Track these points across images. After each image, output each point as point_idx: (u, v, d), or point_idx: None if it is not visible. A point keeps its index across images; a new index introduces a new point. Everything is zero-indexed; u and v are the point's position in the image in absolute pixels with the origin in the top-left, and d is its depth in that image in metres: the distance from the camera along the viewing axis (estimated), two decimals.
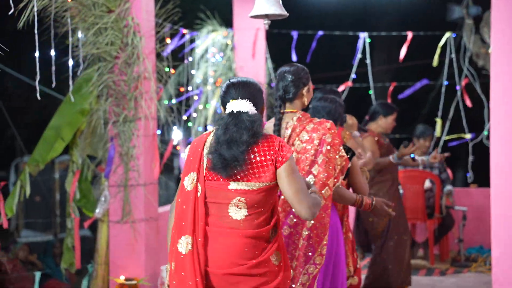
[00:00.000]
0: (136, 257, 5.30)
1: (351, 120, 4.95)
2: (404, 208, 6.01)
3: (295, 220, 3.54)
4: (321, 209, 3.48)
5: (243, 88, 2.94)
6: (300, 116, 3.62)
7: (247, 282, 2.85)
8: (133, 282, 5.17)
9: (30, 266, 7.69)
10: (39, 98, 4.40)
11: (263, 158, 2.85)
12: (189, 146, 3.01)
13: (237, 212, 2.87)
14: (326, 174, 3.49)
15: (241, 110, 2.88)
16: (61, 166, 10.72)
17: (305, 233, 3.52)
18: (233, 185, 2.86)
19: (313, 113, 4.07)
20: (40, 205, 10.87)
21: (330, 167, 3.51)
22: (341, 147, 3.61)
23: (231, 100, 2.92)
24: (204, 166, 2.90)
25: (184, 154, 2.99)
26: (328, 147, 3.51)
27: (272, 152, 2.86)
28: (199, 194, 2.88)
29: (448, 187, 7.38)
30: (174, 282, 2.89)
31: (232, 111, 2.90)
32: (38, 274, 5.29)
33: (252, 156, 2.85)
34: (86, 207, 5.65)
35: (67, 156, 5.58)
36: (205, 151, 2.91)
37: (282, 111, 3.63)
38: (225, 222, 2.87)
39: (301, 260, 3.51)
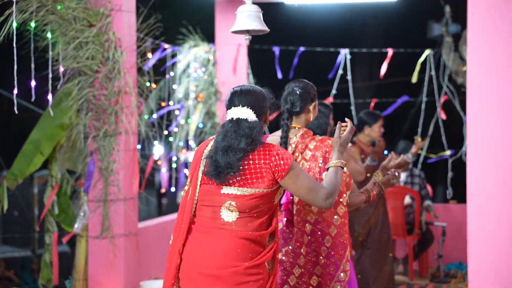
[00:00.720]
0: (115, 273, 5.26)
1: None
2: (388, 222, 6.03)
3: (309, 237, 3.58)
4: (338, 227, 3.55)
5: (245, 96, 3.01)
6: (303, 133, 3.66)
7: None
8: None
9: (6, 282, 7.61)
10: (16, 112, 4.37)
11: (258, 166, 2.91)
12: (198, 147, 3.13)
13: (229, 215, 2.94)
14: (337, 193, 3.54)
15: (240, 117, 2.95)
16: (40, 181, 10.65)
17: (324, 251, 3.56)
18: (225, 190, 2.93)
19: None
20: (18, 220, 10.76)
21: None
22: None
23: (232, 107, 2.99)
24: (200, 170, 3.00)
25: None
26: None
27: (268, 161, 2.92)
28: (189, 197, 3.00)
29: (427, 202, 7.41)
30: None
31: (232, 118, 2.98)
32: None
33: (246, 163, 2.91)
34: (65, 222, 5.60)
35: (47, 170, 5.54)
36: (204, 155, 3.00)
37: (288, 124, 3.67)
38: (218, 224, 2.94)
39: (326, 278, 3.54)
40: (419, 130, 8.04)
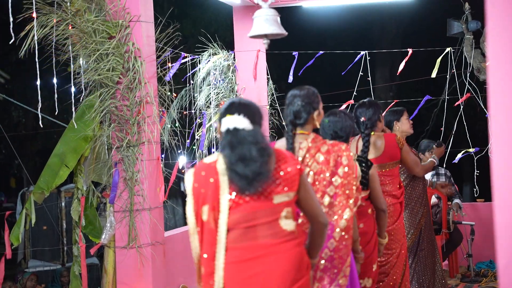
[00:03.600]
0: (143, 282, 5.28)
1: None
2: (431, 222, 6.03)
3: None
4: (344, 230, 3.50)
5: (243, 106, 2.90)
6: (314, 137, 3.61)
7: None
8: None
9: None
10: (41, 126, 4.43)
11: (290, 169, 2.86)
12: (191, 175, 2.89)
13: (289, 223, 2.85)
14: (345, 197, 3.51)
15: (236, 127, 2.82)
16: (68, 194, 10.76)
17: (328, 254, 3.52)
18: (277, 199, 2.82)
19: (322, 129, 4.15)
20: (47, 234, 10.87)
21: (348, 190, 3.52)
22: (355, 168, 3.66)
23: (227, 115, 2.86)
24: (226, 195, 2.80)
25: (188, 183, 2.91)
26: (346, 169, 3.52)
27: (294, 163, 2.89)
28: (220, 227, 2.78)
29: (456, 200, 7.35)
30: None
31: (228, 128, 2.84)
32: None
33: (279, 169, 2.85)
34: (93, 234, 5.65)
35: (73, 184, 5.60)
36: (222, 178, 2.81)
37: (294, 132, 3.62)
38: (281, 236, 2.81)
39: (324, 283, 3.49)
40: (443, 129, 7.97)
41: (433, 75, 7.62)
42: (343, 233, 3.50)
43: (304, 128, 3.60)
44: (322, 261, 3.50)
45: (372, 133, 5.11)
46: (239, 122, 2.83)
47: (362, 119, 5.07)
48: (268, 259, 2.76)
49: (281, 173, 2.83)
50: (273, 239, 2.79)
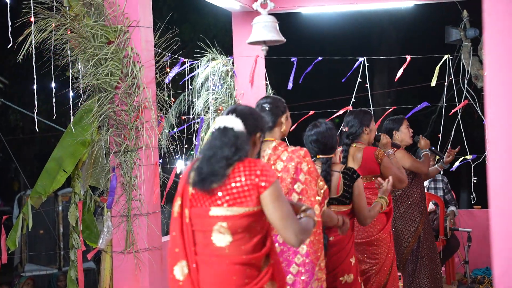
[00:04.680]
0: (140, 287, 5.27)
1: (385, 139, 5.17)
2: (431, 228, 5.99)
3: (281, 247, 3.61)
4: (311, 234, 3.49)
5: (241, 109, 2.93)
6: (276, 145, 3.70)
7: None
8: None
9: None
10: (37, 130, 4.43)
11: (244, 183, 2.76)
12: (186, 170, 3.01)
13: (221, 239, 2.77)
14: (309, 202, 3.57)
15: (227, 126, 2.85)
16: (65, 198, 10.76)
17: (299, 259, 3.56)
18: (213, 211, 2.78)
19: (309, 143, 4.18)
20: (44, 238, 10.87)
21: (312, 195, 3.59)
22: (320, 175, 3.73)
23: (222, 116, 2.92)
24: (190, 191, 2.86)
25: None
26: (306, 176, 3.60)
27: (253, 177, 2.76)
28: (186, 220, 2.84)
29: (452, 208, 7.35)
30: None
31: (219, 126, 2.88)
32: None
33: (233, 179, 2.77)
34: (90, 239, 5.64)
35: (70, 188, 5.59)
36: (191, 174, 2.88)
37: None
38: (211, 250, 2.78)
39: (305, 277, 3.55)
40: (440, 135, 7.99)
41: (433, 83, 7.62)
42: (311, 238, 3.56)
43: (272, 133, 3.75)
44: (294, 266, 3.57)
45: (354, 145, 5.07)
46: (229, 121, 2.86)
47: (345, 129, 5.04)
48: (202, 267, 2.80)
49: (233, 184, 2.76)
50: (206, 249, 2.80)
